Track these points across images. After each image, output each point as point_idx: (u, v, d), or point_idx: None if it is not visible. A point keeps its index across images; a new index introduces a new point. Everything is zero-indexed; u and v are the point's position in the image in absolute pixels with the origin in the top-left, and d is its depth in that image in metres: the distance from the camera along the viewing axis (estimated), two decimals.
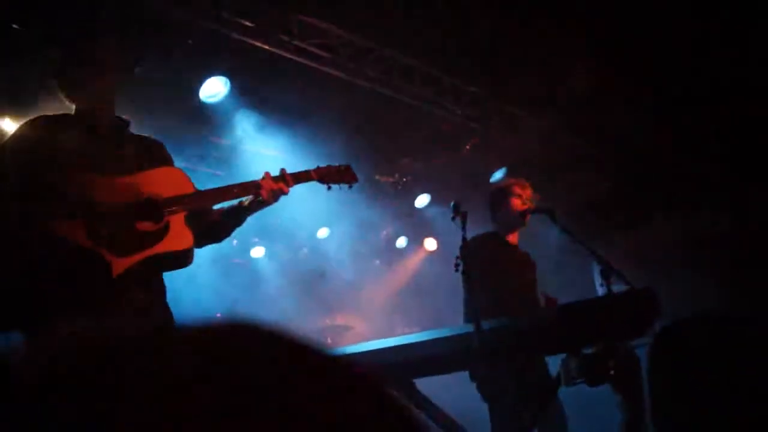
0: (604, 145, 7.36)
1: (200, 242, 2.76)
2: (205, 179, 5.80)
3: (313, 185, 3.00)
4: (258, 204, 2.76)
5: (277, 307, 7.05)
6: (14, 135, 2.59)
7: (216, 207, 2.80)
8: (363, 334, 7.02)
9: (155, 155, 2.73)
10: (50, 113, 2.68)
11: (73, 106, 2.66)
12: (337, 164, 3.03)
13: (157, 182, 2.51)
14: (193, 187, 2.66)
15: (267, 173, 2.77)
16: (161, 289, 2.61)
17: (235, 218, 2.81)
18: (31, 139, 2.51)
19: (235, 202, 2.78)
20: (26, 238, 2.28)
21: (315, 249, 7.86)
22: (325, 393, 0.46)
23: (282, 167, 2.84)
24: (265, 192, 2.71)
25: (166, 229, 2.44)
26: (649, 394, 1.13)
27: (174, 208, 2.49)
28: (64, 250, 2.27)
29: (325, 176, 2.95)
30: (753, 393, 1.00)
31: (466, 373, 3.76)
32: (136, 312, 2.39)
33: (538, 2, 5.23)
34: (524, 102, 6.68)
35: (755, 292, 5.98)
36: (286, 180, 2.78)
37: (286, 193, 2.77)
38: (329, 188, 3.00)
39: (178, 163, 2.91)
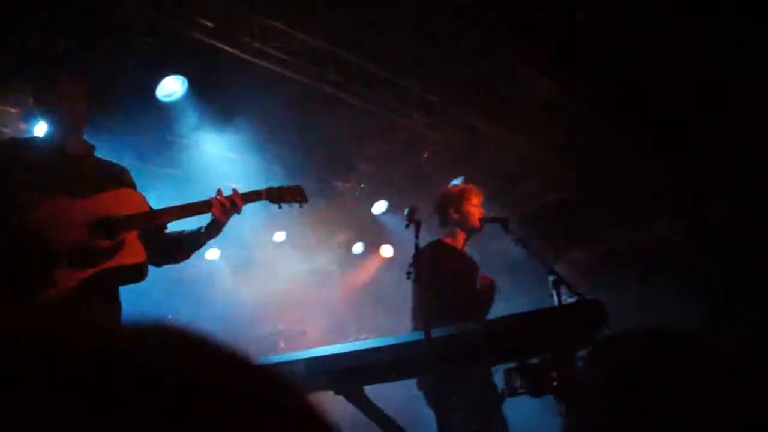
0: (562, 155, 7.47)
1: (158, 261, 2.97)
2: (162, 178, 5.72)
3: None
4: (213, 225, 2.93)
5: (231, 310, 6.97)
6: None
7: (176, 230, 2.99)
8: (317, 338, 6.98)
9: (116, 178, 2.91)
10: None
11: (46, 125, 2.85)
12: (287, 185, 3.21)
13: (115, 202, 2.71)
14: (149, 207, 2.85)
15: (219, 190, 2.94)
16: (117, 302, 2.76)
17: (192, 241, 2.98)
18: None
19: (195, 226, 2.96)
20: None
21: (271, 252, 7.80)
22: (246, 401, 0.46)
23: (234, 187, 3.00)
24: (217, 210, 2.88)
25: (121, 245, 2.63)
26: (584, 403, 1.16)
27: (128, 225, 2.68)
28: (22, 263, 2.44)
29: (275, 196, 3.13)
30: (684, 406, 1.03)
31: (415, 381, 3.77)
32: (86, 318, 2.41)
33: (498, 12, 5.29)
34: (483, 111, 6.75)
35: (710, 305, 6.12)
36: (236, 200, 2.93)
37: (238, 212, 2.95)
38: (280, 207, 3.18)
39: (135, 162, 2.99)
